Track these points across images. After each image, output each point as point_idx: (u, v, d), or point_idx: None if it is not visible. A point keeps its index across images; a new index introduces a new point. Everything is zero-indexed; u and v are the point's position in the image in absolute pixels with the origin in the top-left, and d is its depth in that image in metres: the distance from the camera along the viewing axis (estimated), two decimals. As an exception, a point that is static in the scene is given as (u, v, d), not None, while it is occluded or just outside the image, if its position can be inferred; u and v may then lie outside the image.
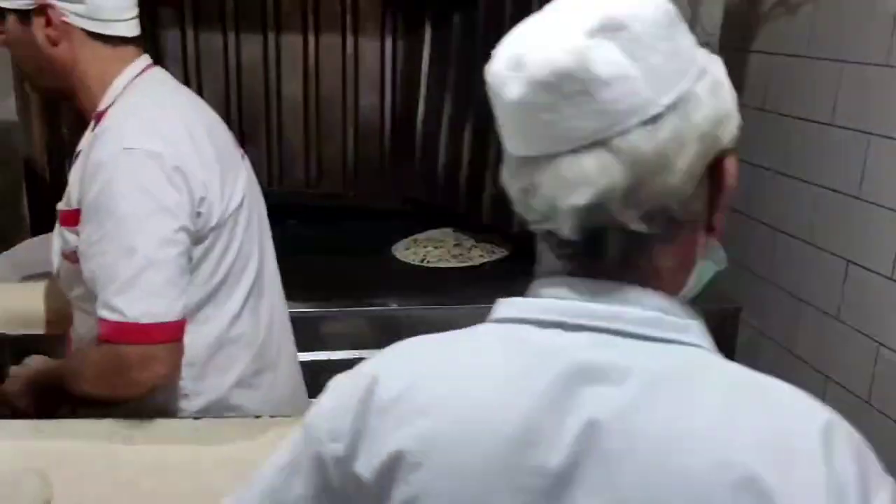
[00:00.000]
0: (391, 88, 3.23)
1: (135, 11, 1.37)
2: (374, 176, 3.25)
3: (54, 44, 1.31)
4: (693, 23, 2.48)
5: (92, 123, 1.36)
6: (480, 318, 0.80)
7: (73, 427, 1.23)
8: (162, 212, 1.24)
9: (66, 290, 1.43)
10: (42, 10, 1.29)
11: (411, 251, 2.76)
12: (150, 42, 2.78)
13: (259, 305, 1.45)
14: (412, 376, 0.71)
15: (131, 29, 1.36)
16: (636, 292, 0.67)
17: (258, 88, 3.07)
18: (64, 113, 2.50)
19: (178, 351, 1.28)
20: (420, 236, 2.89)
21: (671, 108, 0.64)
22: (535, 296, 0.71)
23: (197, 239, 1.31)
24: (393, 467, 0.67)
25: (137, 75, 1.37)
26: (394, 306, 2.30)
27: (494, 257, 2.72)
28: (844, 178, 2.58)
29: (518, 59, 0.66)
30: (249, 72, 3.02)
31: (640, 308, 0.67)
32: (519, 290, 0.78)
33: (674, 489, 0.60)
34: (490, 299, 0.79)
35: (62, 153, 2.51)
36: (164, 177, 1.25)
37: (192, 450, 1.20)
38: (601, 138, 0.64)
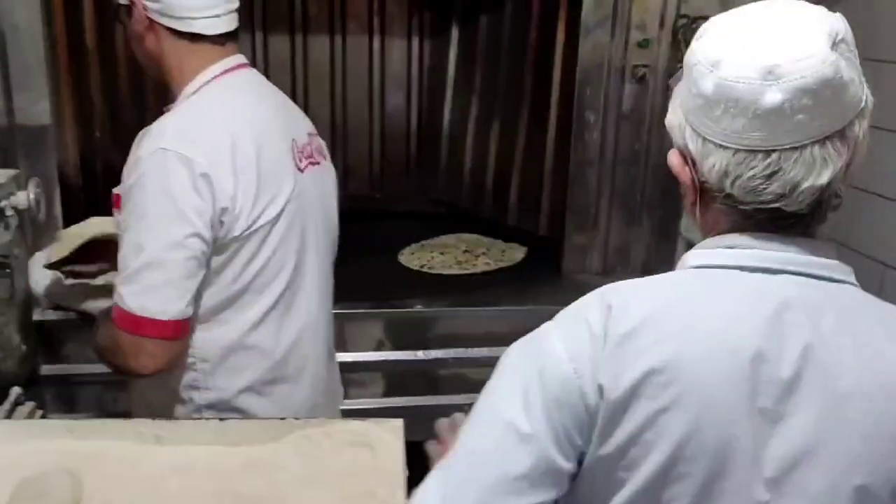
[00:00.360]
0: (417, 89, 3.23)
1: (216, 10, 1.39)
2: (400, 177, 3.26)
3: (143, 37, 1.40)
4: (723, 22, 2.44)
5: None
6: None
7: (103, 427, 1.26)
8: (178, 216, 1.28)
9: None
10: (130, 6, 1.39)
11: (416, 256, 2.73)
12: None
13: (285, 318, 1.46)
14: (649, 309, 0.84)
15: (209, 27, 1.39)
16: (819, 245, 0.87)
17: (285, 89, 3.07)
18: (97, 116, 2.54)
19: (171, 348, 1.33)
20: (429, 242, 2.86)
21: (866, 102, 0.84)
22: (727, 246, 0.87)
23: (219, 246, 1.35)
24: (639, 386, 0.81)
25: (217, 76, 1.41)
26: (366, 310, 2.28)
27: (501, 265, 2.68)
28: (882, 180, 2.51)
29: (771, 70, 0.80)
30: (277, 73, 3.04)
31: (825, 257, 0.86)
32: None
33: (879, 386, 0.81)
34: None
35: (95, 156, 2.56)
36: (189, 182, 1.28)
37: (218, 451, 1.21)
38: (838, 129, 0.82)
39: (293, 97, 3.18)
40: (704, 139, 0.84)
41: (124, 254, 1.31)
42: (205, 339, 1.39)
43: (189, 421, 1.27)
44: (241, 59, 1.47)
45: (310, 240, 1.49)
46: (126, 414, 1.69)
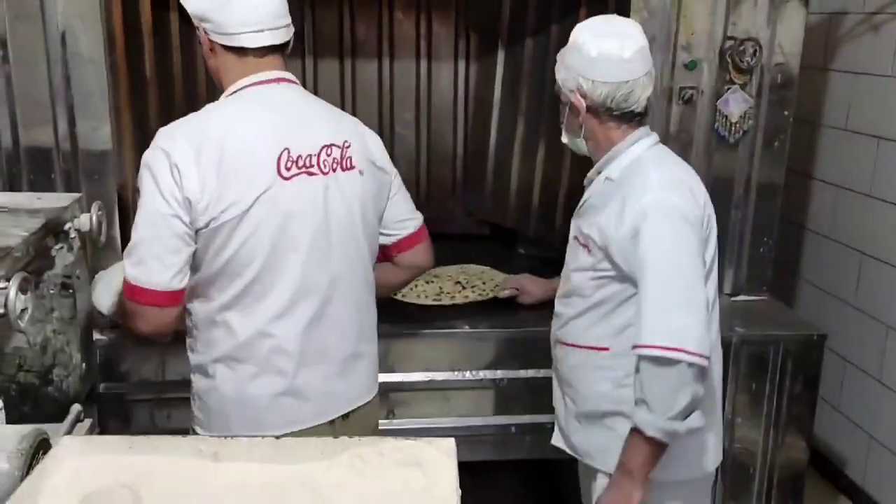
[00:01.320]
0: (464, 112, 3.27)
1: (259, 26, 1.57)
2: (447, 199, 3.28)
3: (207, 54, 1.65)
4: (771, 42, 2.43)
5: None
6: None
7: (162, 444, 1.28)
8: (162, 200, 1.52)
9: None
10: (196, 27, 1.63)
11: None
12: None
13: (255, 307, 1.61)
14: None
15: (251, 41, 1.58)
16: None
17: (334, 114, 3.15)
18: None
19: (161, 315, 1.58)
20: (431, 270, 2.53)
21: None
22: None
23: (196, 233, 1.55)
24: None
25: (247, 86, 1.61)
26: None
27: (482, 298, 2.45)
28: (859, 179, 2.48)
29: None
30: (326, 97, 3.08)
31: None
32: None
33: None
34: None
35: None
36: (167, 171, 1.51)
37: (273, 468, 1.23)
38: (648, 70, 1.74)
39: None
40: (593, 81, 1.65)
41: (131, 230, 1.57)
42: (193, 310, 1.65)
43: (245, 438, 1.30)
44: (280, 73, 1.63)
45: (291, 241, 1.60)
46: (181, 431, 1.73)
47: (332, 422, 1.71)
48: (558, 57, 1.74)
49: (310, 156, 1.61)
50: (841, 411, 2.98)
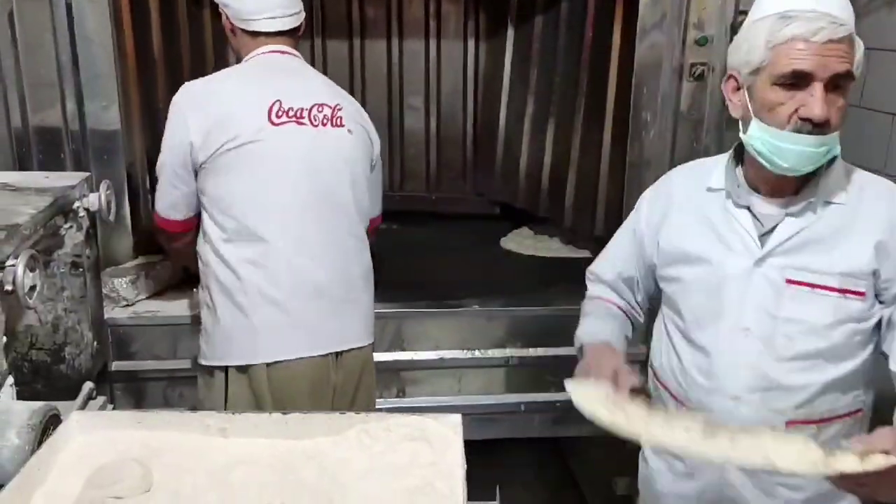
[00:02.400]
0: (473, 91, 3.25)
1: (273, 13, 1.83)
2: (457, 178, 3.28)
3: (228, 34, 1.90)
4: (785, 18, 2.39)
5: None
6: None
7: (171, 419, 1.29)
8: (169, 143, 1.80)
9: None
10: (221, 10, 1.88)
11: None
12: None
13: (248, 244, 1.77)
14: None
15: (266, 26, 1.84)
16: None
17: (344, 93, 3.15)
18: (162, 121, 2.62)
19: (171, 239, 1.92)
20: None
21: None
22: None
23: (196, 171, 1.79)
24: None
25: (254, 56, 1.86)
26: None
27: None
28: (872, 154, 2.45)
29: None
30: (335, 78, 3.08)
31: None
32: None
33: None
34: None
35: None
36: (174, 116, 1.79)
37: (281, 443, 1.24)
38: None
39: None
40: None
41: None
42: (199, 247, 1.84)
43: (253, 414, 1.30)
44: (285, 48, 1.87)
45: (278, 182, 1.78)
46: (191, 408, 1.75)
47: (325, 356, 1.81)
48: (853, 32, 1.28)
49: (301, 109, 1.80)
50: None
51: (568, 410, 2.32)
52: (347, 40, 3.16)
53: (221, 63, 2.83)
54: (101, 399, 1.66)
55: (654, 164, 2.45)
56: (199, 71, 2.77)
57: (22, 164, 2.20)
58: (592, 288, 1.65)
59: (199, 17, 2.71)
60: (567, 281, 2.52)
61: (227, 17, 1.87)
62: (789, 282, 1.33)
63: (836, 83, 1.26)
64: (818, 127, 1.26)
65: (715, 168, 1.44)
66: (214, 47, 2.77)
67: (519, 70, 3.04)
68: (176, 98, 1.80)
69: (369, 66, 3.18)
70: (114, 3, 2.18)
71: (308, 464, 1.19)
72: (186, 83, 1.84)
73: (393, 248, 2.66)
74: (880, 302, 1.33)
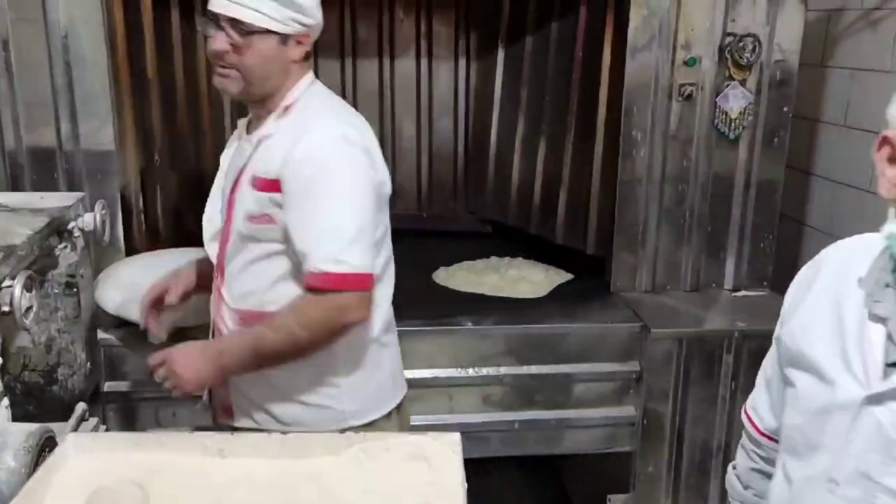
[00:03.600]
0: (465, 110, 3.28)
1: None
2: (448, 197, 3.29)
3: (299, 61, 1.61)
4: (770, 39, 2.44)
5: (276, 113, 1.60)
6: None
7: (169, 440, 1.29)
8: (360, 186, 1.55)
9: (238, 251, 1.60)
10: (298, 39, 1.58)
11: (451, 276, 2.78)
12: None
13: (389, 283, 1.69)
14: None
15: None
16: None
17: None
18: (156, 141, 2.63)
19: (362, 304, 1.54)
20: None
21: None
22: None
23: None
24: None
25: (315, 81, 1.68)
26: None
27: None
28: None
29: None
30: (327, 97, 3.12)
31: None
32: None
33: None
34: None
35: (153, 179, 2.65)
36: (359, 157, 1.56)
37: (281, 464, 1.24)
38: None
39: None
40: None
41: (335, 224, 1.50)
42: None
43: (252, 434, 1.31)
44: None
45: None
46: (183, 429, 1.74)
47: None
48: None
49: None
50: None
51: (561, 428, 2.36)
52: (339, 60, 3.18)
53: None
54: (93, 420, 1.65)
55: (644, 182, 2.48)
56: (194, 89, 2.79)
57: (15, 185, 2.20)
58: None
59: (192, 39, 2.72)
60: (559, 302, 2.55)
61: (308, 36, 1.60)
62: None
63: None
64: None
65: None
66: (207, 68, 2.78)
67: (510, 89, 3.07)
68: (350, 137, 1.56)
69: (361, 86, 3.20)
70: (108, 24, 2.19)
71: (308, 484, 1.19)
72: (341, 127, 1.57)
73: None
74: None
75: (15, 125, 2.17)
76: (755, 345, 2.31)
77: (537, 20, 2.92)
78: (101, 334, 2.12)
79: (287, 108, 1.59)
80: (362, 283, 1.51)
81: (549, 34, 2.86)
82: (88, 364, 1.97)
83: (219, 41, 1.52)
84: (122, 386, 2.18)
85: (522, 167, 3.02)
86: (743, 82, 2.42)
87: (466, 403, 2.31)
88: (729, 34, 2.40)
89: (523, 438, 2.36)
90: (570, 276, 2.73)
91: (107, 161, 2.22)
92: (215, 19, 1.52)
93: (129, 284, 2.01)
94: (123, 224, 2.29)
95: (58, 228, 1.77)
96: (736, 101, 2.43)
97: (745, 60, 2.39)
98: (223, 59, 1.54)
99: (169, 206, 2.69)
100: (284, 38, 1.55)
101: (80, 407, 1.68)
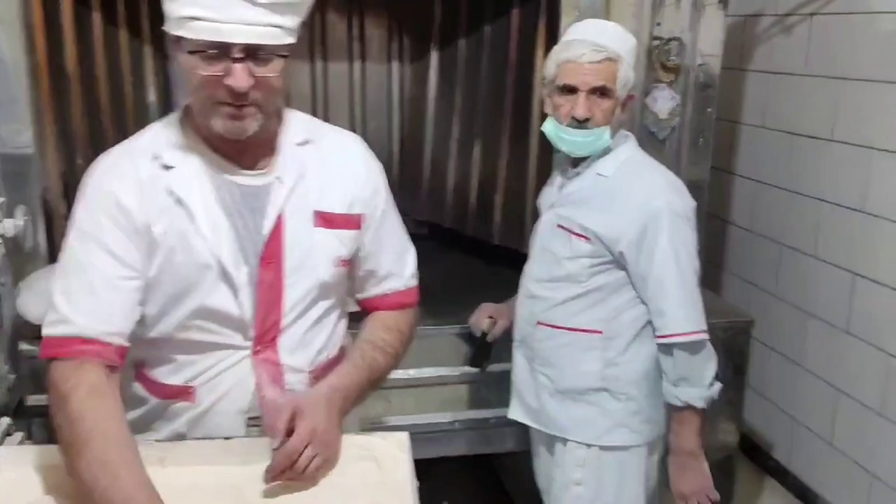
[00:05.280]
0: (399, 113, 3.27)
1: None
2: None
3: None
4: (693, 44, 2.52)
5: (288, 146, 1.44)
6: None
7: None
8: None
9: (308, 307, 1.38)
10: None
11: None
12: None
13: None
14: None
15: None
16: None
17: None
18: (79, 142, 2.53)
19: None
20: None
21: None
22: None
23: None
24: None
25: None
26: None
27: None
28: (846, 192, 2.62)
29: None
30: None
31: None
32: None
33: None
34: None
35: (77, 182, 2.54)
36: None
37: (224, 469, 1.21)
38: None
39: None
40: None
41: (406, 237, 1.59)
42: None
43: (192, 441, 1.27)
44: None
45: None
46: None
47: None
48: (616, 55, 1.74)
49: None
50: (766, 396, 3.10)
51: (498, 427, 2.37)
52: (269, 62, 3.13)
53: (139, 86, 2.76)
54: (18, 435, 1.59)
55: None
56: (117, 90, 2.70)
57: (-71, 190, 2.08)
58: None
59: (114, 38, 2.63)
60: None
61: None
62: (557, 225, 1.88)
63: (601, 92, 1.70)
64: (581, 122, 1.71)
65: None
66: (132, 68, 2.70)
67: (444, 91, 3.08)
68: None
69: (293, 88, 3.16)
70: (26, 24, 2.10)
71: (255, 487, 1.16)
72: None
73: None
74: None
75: (-71, 128, 2.05)
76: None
77: (470, 22, 2.94)
78: (23, 345, 2.03)
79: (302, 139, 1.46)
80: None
81: (482, 36, 2.88)
82: (11, 377, 1.88)
83: (242, 78, 1.21)
84: (46, 399, 2.08)
85: (458, 169, 3.04)
86: (671, 84, 2.50)
87: (405, 405, 2.31)
88: (655, 38, 2.47)
89: (463, 438, 2.37)
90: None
91: (26, 165, 2.12)
92: (225, 51, 1.21)
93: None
94: (46, 230, 2.19)
95: (-24, 235, 1.69)
96: (664, 102, 2.50)
97: (672, 62, 2.47)
98: (245, 98, 1.24)
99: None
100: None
101: (4, 422, 1.60)
